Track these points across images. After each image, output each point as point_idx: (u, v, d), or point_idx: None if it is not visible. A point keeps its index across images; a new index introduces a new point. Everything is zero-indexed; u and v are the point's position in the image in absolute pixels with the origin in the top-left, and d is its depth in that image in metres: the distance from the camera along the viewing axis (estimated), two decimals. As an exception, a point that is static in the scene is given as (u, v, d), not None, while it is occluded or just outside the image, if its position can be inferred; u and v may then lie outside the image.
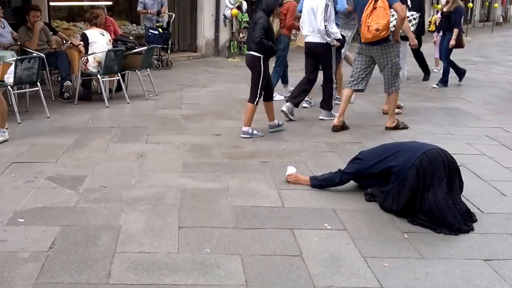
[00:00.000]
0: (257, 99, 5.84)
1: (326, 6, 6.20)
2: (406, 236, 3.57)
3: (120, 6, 11.49)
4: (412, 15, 7.51)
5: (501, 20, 30.11)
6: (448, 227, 3.62)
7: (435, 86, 9.20)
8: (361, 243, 3.45)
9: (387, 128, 6.27)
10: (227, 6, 12.12)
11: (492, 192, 4.44)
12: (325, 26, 6.22)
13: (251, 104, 5.85)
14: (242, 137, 5.82)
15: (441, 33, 9.59)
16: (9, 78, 6.24)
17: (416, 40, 7.52)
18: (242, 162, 5.02)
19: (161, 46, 10.18)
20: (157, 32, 10.04)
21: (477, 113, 7.38)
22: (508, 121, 6.88)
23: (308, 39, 6.55)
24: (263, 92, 5.84)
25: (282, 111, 6.55)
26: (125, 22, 11.38)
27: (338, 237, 3.53)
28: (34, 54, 6.83)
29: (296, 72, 8.42)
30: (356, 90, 6.36)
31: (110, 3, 9.20)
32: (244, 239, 3.44)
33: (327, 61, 6.52)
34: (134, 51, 7.86)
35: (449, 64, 9.24)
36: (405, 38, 7.20)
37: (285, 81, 8.36)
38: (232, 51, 12.55)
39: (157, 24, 10.12)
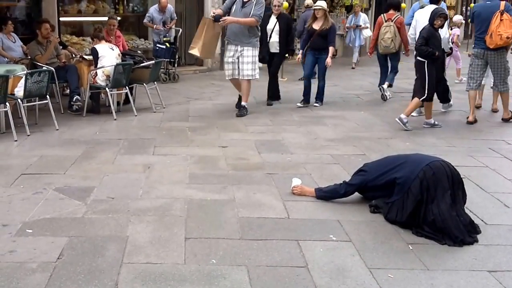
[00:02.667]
0: (425, 96, 6.86)
1: None
2: (410, 248, 3.58)
3: (128, 21, 11.64)
4: None
5: None
6: (452, 239, 3.63)
7: (299, 104, 8.49)
8: (366, 254, 3.47)
9: (504, 120, 7.61)
10: (234, 21, 12.30)
11: (495, 203, 4.45)
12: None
13: (416, 99, 6.97)
14: (397, 121, 6.98)
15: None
16: (19, 91, 6.34)
17: None
18: (248, 174, 5.06)
19: (168, 60, 10.28)
20: (164, 47, 10.16)
21: (479, 125, 7.39)
22: (511, 134, 6.90)
23: None
24: (433, 92, 7.00)
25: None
26: (133, 36, 11.52)
27: (343, 249, 3.55)
28: (44, 68, 6.94)
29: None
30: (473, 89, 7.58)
31: (118, 18, 9.32)
32: (250, 250, 3.47)
33: (443, 64, 7.83)
34: (141, 65, 7.97)
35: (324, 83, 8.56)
36: None
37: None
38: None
39: (164, 39, 10.25)
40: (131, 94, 7.84)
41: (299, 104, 8.38)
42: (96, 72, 7.37)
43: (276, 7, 8.42)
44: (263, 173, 5.10)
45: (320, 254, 3.45)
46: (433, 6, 7.26)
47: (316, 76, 8.94)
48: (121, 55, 7.68)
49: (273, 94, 8.79)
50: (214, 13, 7.53)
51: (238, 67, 7.61)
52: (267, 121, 7.45)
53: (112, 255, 3.36)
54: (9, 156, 5.50)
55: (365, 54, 13.89)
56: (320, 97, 8.61)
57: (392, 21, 8.77)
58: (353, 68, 14.09)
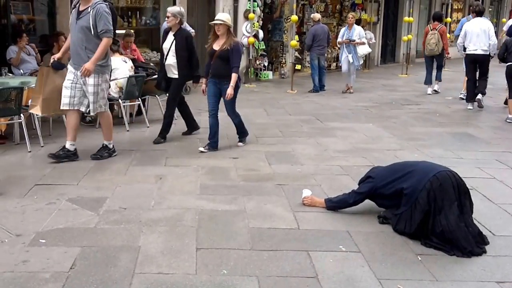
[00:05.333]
0: None
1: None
2: (419, 258, 3.60)
3: (141, 35, 11.80)
4: None
5: None
6: (461, 250, 3.64)
7: (202, 149, 6.38)
8: (376, 265, 3.49)
9: None
10: (244, 34, 12.39)
11: (503, 215, 4.46)
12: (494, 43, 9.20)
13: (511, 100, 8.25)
14: (508, 121, 8.25)
15: None
16: (32, 103, 6.43)
17: None
18: (259, 185, 5.10)
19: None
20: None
21: (487, 137, 7.38)
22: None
23: (476, 52, 9.31)
24: None
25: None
26: (146, 49, 11.66)
27: (353, 259, 3.57)
28: (58, 80, 7.04)
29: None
30: None
31: (132, 31, 9.46)
32: (260, 261, 3.50)
33: (488, 66, 9.42)
34: (154, 77, 8.06)
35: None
36: None
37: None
38: (249, 77, 12.76)
39: None
40: (144, 105, 7.94)
41: (201, 149, 6.36)
42: (109, 84, 7.47)
43: (168, 19, 6.69)
44: (273, 184, 5.14)
45: (330, 265, 3.48)
46: (479, 18, 9.51)
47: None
48: (133, 67, 7.79)
49: (188, 124, 7.31)
50: (53, 58, 5.93)
51: (76, 95, 5.74)
52: (277, 132, 7.50)
53: (124, 265, 3.41)
54: (23, 167, 5.60)
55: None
56: (242, 133, 6.76)
57: (436, 30, 11.03)
58: (346, 92, 11.48)
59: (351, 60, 11.29)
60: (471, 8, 11.36)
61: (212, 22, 6.34)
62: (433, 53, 11.06)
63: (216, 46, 6.32)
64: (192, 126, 7.32)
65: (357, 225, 4.14)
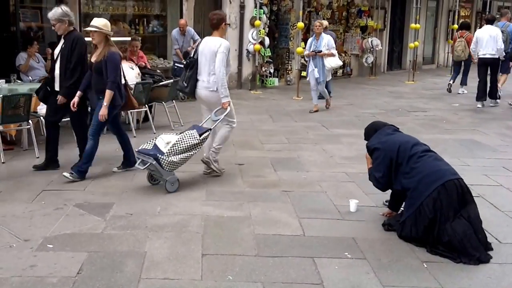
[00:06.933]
0: None
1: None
2: (425, 266, 3.59)
3: (148, 42, 11.89)
4: None
5: None
6: (468, 257, 3.63)
7: (66, 174, 5.37)
8: (381, 272, 3.49)
9: None
10: (250, 41, 12.47)
11: (510, 222, 4.45)
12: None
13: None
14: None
15: None
16: (41, 109, 6.50)
17: None
18: (264, 191, 5.12)
19: (186, 79, 10.38)
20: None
21: (493, 145, 7.36)
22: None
23: (485, 56, 10.29)
24: None
25: None
26: (153, 56, 11.73)
27: (358, 266, 3.57)
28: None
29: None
30: None
31: (139, 38, 9.54)
32: (266, 267, 3.51)
33: (498, 69, 10.44)
34: (161, 84, 8.13)
35: None
36: None
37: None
38: (257, 83, 12.82)
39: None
40: (150, 112, 8.00)
41: (66, 174, 5.31)
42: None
43: (55, 27, 5.55)
44: (279, 190, 5.15)
45: (335, 272, 3.48)
46: (489, 26, 10.48)
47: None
48: (140, 74, 7.84)
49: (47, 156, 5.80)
50: None
51: None
52: (283, 139, 7.51)
53: (130, 270, 3.43)
54: (31, 172, 5.64)
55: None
56: (80, 166, 5.41)
57: (463, 37, 12.15)
58: (312, 112, 9.72)
59: (316, 75, 9.44)
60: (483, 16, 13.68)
61: (87, 29, 5.46)
62: (459, 59, 12.30)
63: (93, 58, 5.44)
64: (49, 159, 5.77)
65: (362, 232, 4.14)
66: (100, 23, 5.39)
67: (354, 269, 3.53)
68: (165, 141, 5.04)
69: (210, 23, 5.69)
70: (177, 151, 4.98)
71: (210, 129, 5.40)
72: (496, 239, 4.05)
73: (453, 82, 12.49)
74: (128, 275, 3.37)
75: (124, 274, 3.38)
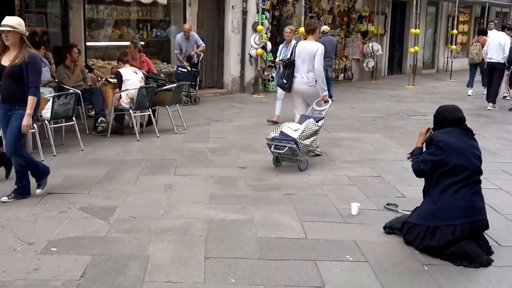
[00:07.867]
0: None
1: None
2: (426, 269, 3.62)
3: (151, 46, 11.94)
4: None
5: None
6: (469, 260, 3.65)
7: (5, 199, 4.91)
8: (382, 275, 3.51)
9: None
10: (252, 46, 12.53)
11: (509, 225, 4.47)
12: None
13: None
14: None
15: None
16: (46, 113, 6.55)
17: None
18: (266, 194, 5.15)
19: (189, 83, 10.47)
20: (186, 70, 10.37)
21: (493, 148, 7.36)
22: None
23: (491, 60, 10.93)
24: None
25: None
26: (156, 60, 11.79)
27: (360, 269, 3.60)
28: (70, 91, 7.18)
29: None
30: None
31: (142, 43, 9.60)
32: (268, 270, 3.54)
33: (502, 73, 10.87)
34: (164, 88, 8.18)
35: None
36: None
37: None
38: (259, 87, 12.88)
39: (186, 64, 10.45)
40: (154, 116, 8.04)
41: (4, 199, 4.82)
42: (120, 95, 7.59)
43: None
44: (281, 193, 5.18)
45: (337, 274, 3.51)
46: (500, 32, 11.58)
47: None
48: (144, 78, 7.90)
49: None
50: None
51: None
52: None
53: (133, 273, 3.46)
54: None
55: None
56: (37, 175, 5.03)
57: (479, 42, 12.75)
58: (269, 121, 8.96)
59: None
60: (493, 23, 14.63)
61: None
62: (474, 61, 12.97)
63: (6, 61, 4.71)
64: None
65: (364, 234, 4.17)
66: (14, 22, 4.67)
67: (356, 271, 3.56)
68: (292, 128, 6.02)
69: (307, 28, 6.82)
70: (306, 136, 5.96)
71: (323, 117, 6.38)
72: (496, 242, 4.07)
73: (472, 87, 13.05)
74: (131, 278, 3.40)
75: (128, 277, 3.41)
